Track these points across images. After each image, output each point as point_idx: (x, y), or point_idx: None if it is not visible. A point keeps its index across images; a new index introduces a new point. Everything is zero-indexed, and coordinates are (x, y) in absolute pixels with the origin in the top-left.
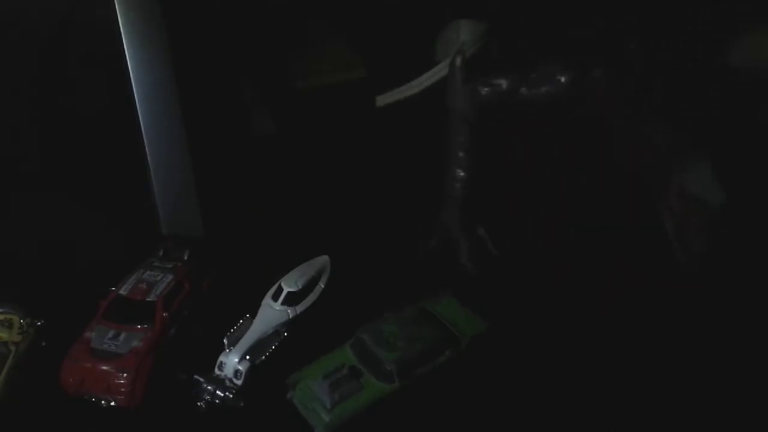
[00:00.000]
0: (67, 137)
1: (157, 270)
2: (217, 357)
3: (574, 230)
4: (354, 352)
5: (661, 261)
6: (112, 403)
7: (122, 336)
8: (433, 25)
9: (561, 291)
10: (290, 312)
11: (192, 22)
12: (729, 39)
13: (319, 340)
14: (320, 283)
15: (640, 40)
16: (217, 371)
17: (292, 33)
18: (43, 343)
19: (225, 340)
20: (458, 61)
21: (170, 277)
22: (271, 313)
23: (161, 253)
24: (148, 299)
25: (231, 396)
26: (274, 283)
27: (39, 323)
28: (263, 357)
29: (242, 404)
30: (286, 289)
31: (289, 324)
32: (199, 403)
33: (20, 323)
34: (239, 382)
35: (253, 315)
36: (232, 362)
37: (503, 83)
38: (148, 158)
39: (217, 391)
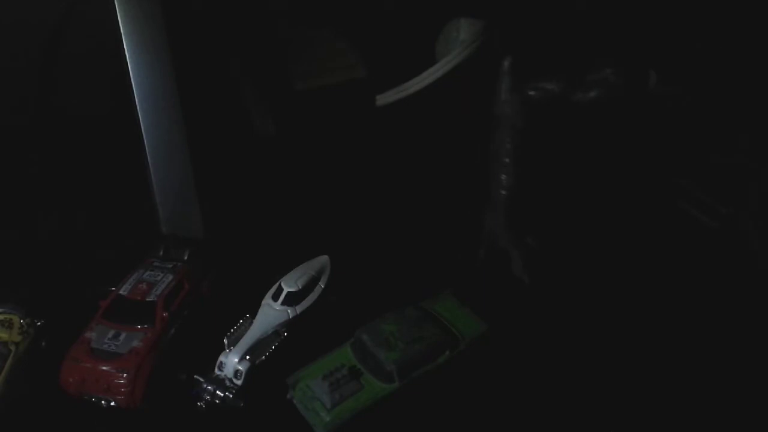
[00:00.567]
0: (67, 137)
1: (157, 270)
2: (217, 357)
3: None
4: (354, 352)
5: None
6: (112, 403)
7: (122, 336)
8: (432, 25)
9: (561, 291)
10: (290, 312)
11: (192, 22)
12: None
13: (319, 340)
14: (320, 283)
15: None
16: (217, 371)
17: (292, 33)
18: (43, 343)
19: (225, 340)
20: (506, 65)
21: (170, 277)
22: (271, 313)
23: (161, 253)
24: (148, 299)
25: (231, 396)
26: (274, 283)
27: (39, 323)
28: (263, 357)
29: (242, 404)
30: (286, 289)
31: (289, 324)
32: (199, 403)
33: (20, 323)
34: (239, 382)
35: (253, 315)
36: (232, 362)
37: (554, 87)
38: (148, 158)
39: (217, 391)
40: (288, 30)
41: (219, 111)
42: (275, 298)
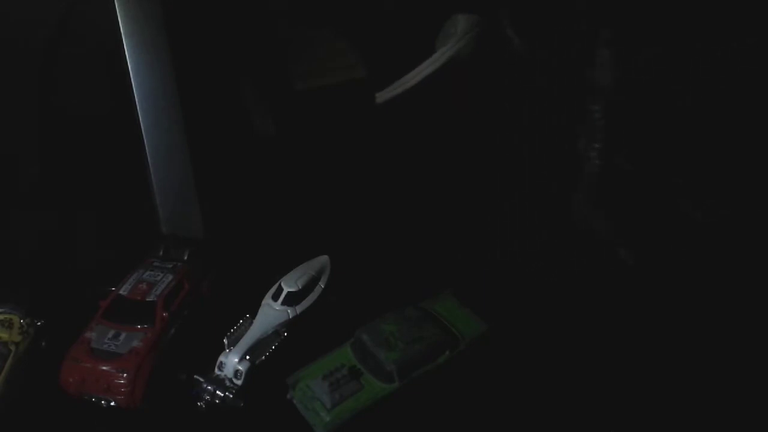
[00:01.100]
0: (67, 137)
1: (157, 270)
2: (217, 357)
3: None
4: (354, 352)
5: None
6: (112, 403)
7: (122, 336)
8: (432, 25)
9: (562, 291)
10: (290, 312)
11: (192, 22)
12: None
13: (319, 340)
14: (320, 283)
15: None
16: (217, 371)
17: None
18: (43, 343)
19: (225, 340)
20: (606, 35)
21: (170, 277)
22: (271, 313)
23: (161, 253)
24: (148, 299)
25: (231, 396)
26: (274, 283)
27: (39, 323)
28: (263, 357)
29: (242, 404)
30: (286, 289)
31: (289, 324)
32: (199, 403)
33: (20, 323)
34: (239, 382)
35: (253, 315)
36: (232, 362)
37: (656, 59)
38: (148, 158)
39: (217, 391)
40: (288, 30)
41: (219, 111)
42: (275, 298)
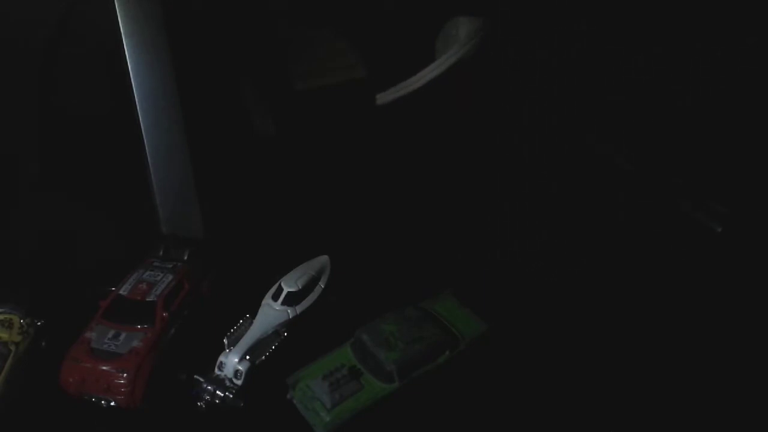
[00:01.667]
0: (67, 137)
1: (157, 270)
2: (217, 357)
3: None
4: (354, 352)
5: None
6: (112, 403)
7: (122, 336)
8: (432, 24)
9: (562, 291)
10: (290, 312)
11: (192, 22)
12: None
13: (319, 340)
14: (320, 283)
15: None
16: (217, 371)
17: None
18: (43, 343)
19: (225, 340)
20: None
21: (170, 277)
22: (271, 313)
23: (161, 253)
24: (148, 299)
25: (231, 396)
26: (274, 283)
27: (39, 323)
28: (263, 357)
29: (242, 404)
30: (286, 289)
31: (289, 324)
32: (199, 403)
33: (20, 323)
34: (239, 382)
35: (253, 315)
36: (232, 362)
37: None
38: (148, 158)
39: (217, 391)
40: (288, 30)
41: (219, 111)
42: (275, 298)
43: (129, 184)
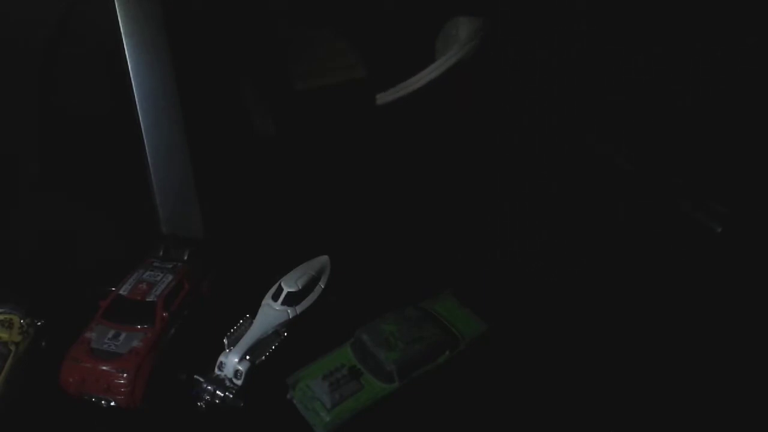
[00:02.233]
0: (67, 137)
1: (157, 270)
2: (217, 357)
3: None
4: (354, 352)
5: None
6: (112, 403)
7: (122, 336)
8: (432, 24)
9: (562, 291)
10: (290, 312)
11: (192, 22)
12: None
13: (319, 340)
14: (320, 283)
15: None
16: (217, 371)
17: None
18: (43, 343)
19: (225, 340)
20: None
21: (170, 277)
22: (271, 313)
23: (161, 253)
24: (148, 299)
25: (231, 396)
26: (274, 283)
27: (39, 323)
28: (263, 357)
29: (242, 404)
30: (286, 289)
31: (289, 324)
32: (199, 403)
33: (20, 323)
34: (239, 382)
35: (253, 315)
36: (232, 362)
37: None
38: (148, 158)
39: (217, 391)
40: (288, 30)
41: (219, 111)
42: (275, 298)
43: (129, 184)
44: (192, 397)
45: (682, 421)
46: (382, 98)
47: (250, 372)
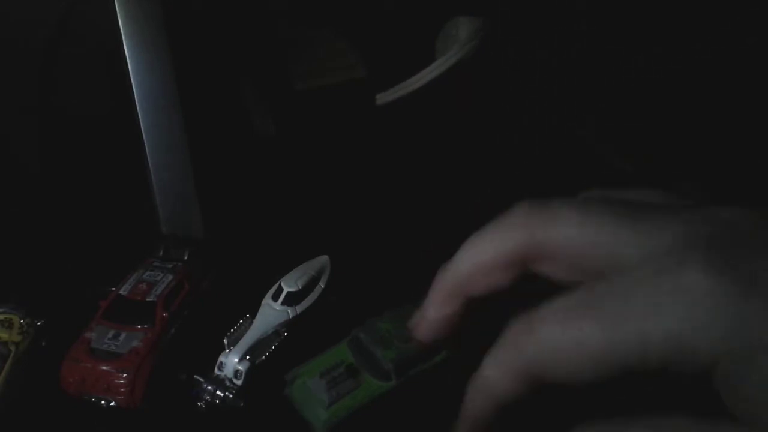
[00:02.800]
0: (67, 137)
1: (157, 270)
2: (217, 357)
3: None
4: (351, 350)
5: None
6: (112, 403)
7: (122, 336)
8: (432, 24)
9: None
10: (290, 312)
11: (192, 22)
12: None
13: (319, 340)
14: (320, 283)
15: None
16: (217, 371)
17: (292, 33)
18: (43, 343)
19: (225, 340)
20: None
21: (170, 277)
22: (271, 313)
23: (161, 253)
24: (148, 299)
25: (231, 396)
26: (274, 283)
27: (39, 323)
28: (263, 357)
29: (242, 404)
30: (286, 289)
31: (289, 324)
32: (199, 403)
33: (20, 323)
34: (239, 382)
35: (253, 315)
36: (232, 362)
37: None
38: (148, 158)
39: (217, 391)
40: (288, 30)
41: (219, 111)
42: (275, 298)
43: (129, 184)
44: (192, 397)
45: None
46: (382, 98)
47: (250, 372)
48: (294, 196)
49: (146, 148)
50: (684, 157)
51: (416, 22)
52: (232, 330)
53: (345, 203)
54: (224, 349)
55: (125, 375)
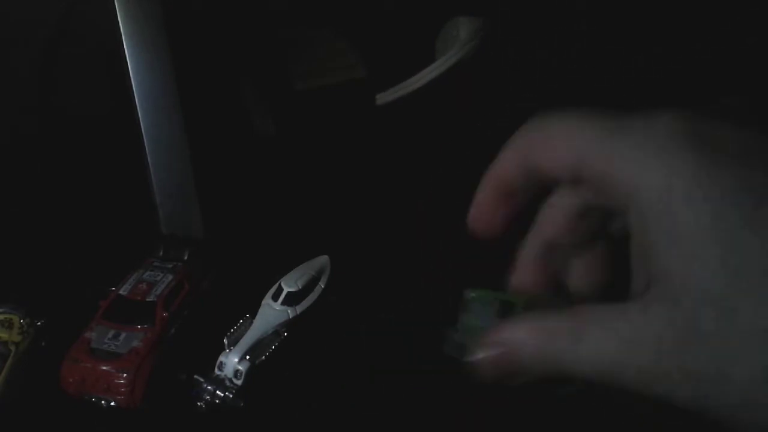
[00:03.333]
0: (67, 137)
1: (157, 270)
2: (217, 357)
3: None
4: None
5: None
6: (112, 403)
7: (122, 336)
8: (432, 24)
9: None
10: (290, 312)
11: (192, 22)
12: None
13: (319, 340)
14: (320, 283)
15: None
16: (217, 371)
17: (292, 33)
18: (43, 343)
19: (225, 340)
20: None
21: (170, 277)
22: (271, 313)
23: (161, 253)
24: (148, 299)
25: (231, 396)
26: (274, 283)
27: (39, 323)
28: (263, 357)
29: (242, 404)
30: (286, 289)
31: (289, 324)
32: (199, 403)
33: (20, 323)
34: (239, 382)
35: (253, 315)
36: (232, 362)
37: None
38: (148, 158)
39: (217, 391)
40: (288, 30)
41: (219, 111)
42: (275, 298)
43: (129, 184)
44: (192, 397)
45: (682, 421)
46: (382, 98)
47: (250, 372)
48: (294, 196)
49: (146, 148)
50: None
51: (416, 22)
52: (232, 330)
53: (345, 203)
54: (224, 349)
55: (125, 375)
